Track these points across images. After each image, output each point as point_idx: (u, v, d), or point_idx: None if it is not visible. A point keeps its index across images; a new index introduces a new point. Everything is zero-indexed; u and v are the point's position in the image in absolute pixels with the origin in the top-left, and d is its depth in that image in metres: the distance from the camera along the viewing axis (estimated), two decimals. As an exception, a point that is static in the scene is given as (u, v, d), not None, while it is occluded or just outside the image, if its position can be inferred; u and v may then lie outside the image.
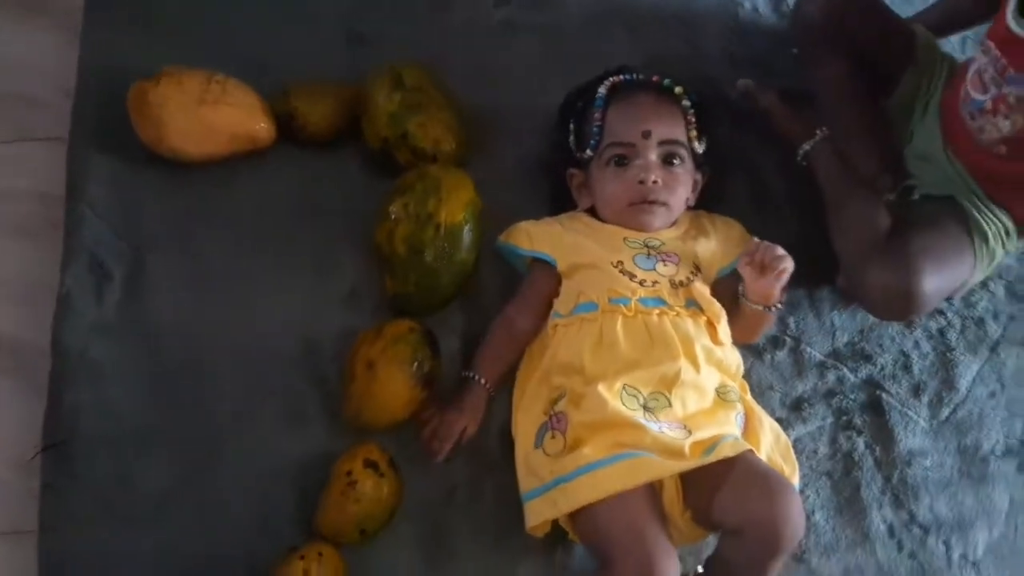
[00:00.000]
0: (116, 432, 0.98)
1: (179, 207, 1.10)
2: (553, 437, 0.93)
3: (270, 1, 1.23)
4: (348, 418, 0.98)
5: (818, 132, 1.13)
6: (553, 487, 0.89)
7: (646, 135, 1.03)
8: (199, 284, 1.06)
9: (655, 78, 1.07)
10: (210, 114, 1.08)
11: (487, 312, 1.06)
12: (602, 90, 1.05)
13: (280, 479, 0.97)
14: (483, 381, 0.99)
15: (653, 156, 1.03)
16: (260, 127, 1.11)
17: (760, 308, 0.99)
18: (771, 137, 1.18)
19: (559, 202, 1.11)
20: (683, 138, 1.05)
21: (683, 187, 1.05)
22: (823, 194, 1.12)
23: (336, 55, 1.20)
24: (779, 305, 1.00)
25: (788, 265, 0.96)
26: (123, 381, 1.01)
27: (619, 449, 0.88)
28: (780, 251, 0.96)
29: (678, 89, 1.06)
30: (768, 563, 0.85)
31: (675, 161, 1.04)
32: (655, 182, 1.02)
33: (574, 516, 0.90)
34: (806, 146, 1.13)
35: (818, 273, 1.12)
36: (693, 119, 1.06)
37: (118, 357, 1.02)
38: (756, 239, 0.98)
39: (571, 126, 1.09)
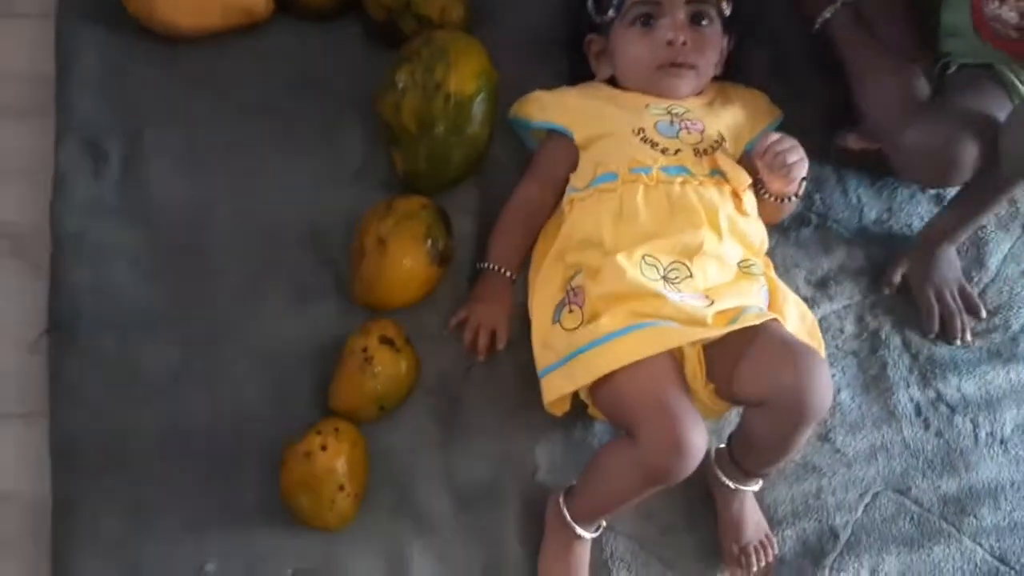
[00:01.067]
0: (120, 313, 0.95)
1: (174, 83, 1.04)
2: (571, 311, 0.89)
3: None
4: (357, 296, 0.95)
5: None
6: (570, 359, 0.86)
7: None
8: (198, 162, 1.02)
9: None
10: (202, -19, 1.01)
11: (502, 191, 1.01)
12: None
13: (290, 357, 0.95)
14: (502, 270, 0.96)
15: (681, 15, 0.96)
16: (256, -4, 1.04)
17: (774, 200, 0.95)
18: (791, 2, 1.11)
19: (576, 73, 1.05)
20: None
21: (712, 49, 0.99)
22: (847, 63, 1.05)
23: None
24: (795, 197, 0.95)
25: (797, 167, 0.91)
26: (125, 260, 0.97)
27: (638, 319, 0.84)
28: (790, 149, 0.90)
29: None
30: (793, 434, 0.83)
31: (704, 21, 0.98)
32: (684, 43, 0.96)
33: (595, 390, 0.87)
34: (826, 14, 1.06)
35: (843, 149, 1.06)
36: None
37: (118, 237, 0.98)
38: (772, 133, 0.93)
39: None
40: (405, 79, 0.97)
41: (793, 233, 1.05)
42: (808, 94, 1.09)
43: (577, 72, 1.05)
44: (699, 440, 0.80)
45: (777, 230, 1.04)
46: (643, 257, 0.89)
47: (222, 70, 1.06)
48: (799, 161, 0.91)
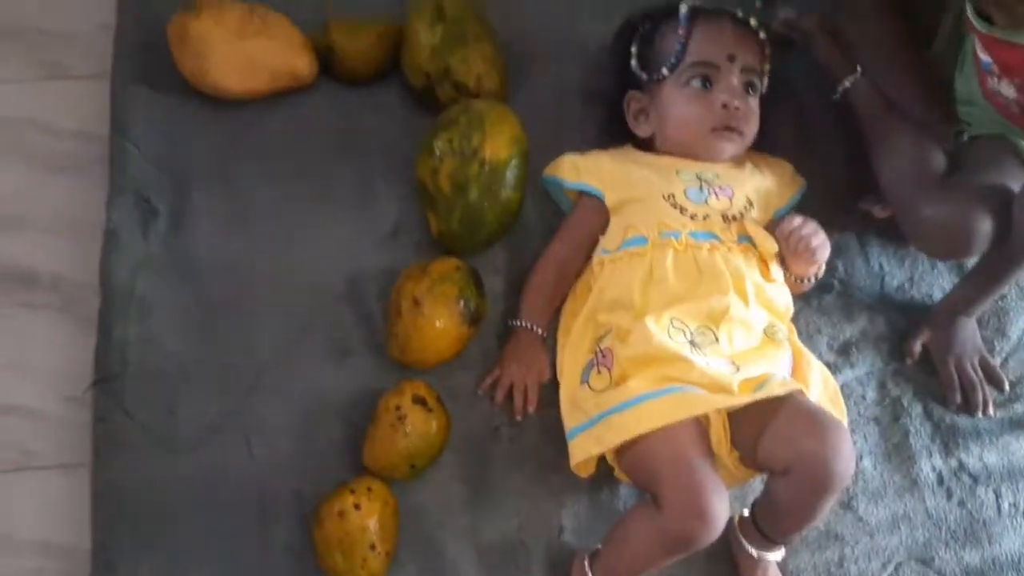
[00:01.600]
0: (163, 365, 0.99)
1: (222, 142, 1.09)
2: (599, 373, 0.92)
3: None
4: (393, 355, 0.98)
5: (858, 68, 1.09)
6: (598, 421, 0.88)
7: (731, 59, 1.00)
8: (242, 219, 1.06)
9: (729, 11, 1.04)
10: (251, 47, 1.06)
11: (532, 252, 1.05)
12: (684, 9, 1.02)
13: (325, 413, 0.97)
14: (534, 327, 0.99)
15: (736, 81, 1.00)
16: (301, 62, 1.09)
17: (795, 280, 0.99)
18: (813, 72, 1.14)
19: (608, 134, 1.09)
20: (760, 67, 1.03)
21: (756, 117, 1.03)
22: (865, 131, 1.08)
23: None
24: (815, 278, 0.99)
25: (820, 251, 0.94)
26: (169, 315, 1.01)
27: (666, 383, 0.87)
28: (814, 233, 0.94)
29: (753, 21, 1.03)
30: (817, 502, 0.84)
31: (752, 91, 1.02)
32: (737, 108, 0.99)
33: (620, 452, 0.89)
34: (846, 83, 1.08)
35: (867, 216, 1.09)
36: (768, 53, 1.03)
37: (164, 292, 1.02)
38: (794, 216, 0.96)
39: (634, 48, 1.05)
40: (443, 146, 1.01)
41: (816, 299, 1.07)
42: (831, 162, 1.12)
43: (609, 131, 1.08)
44: (722, 508, 0.82)
45: (800, 296, 1.06)
46: (671, 321, 0.91)
47: (267, 131, 1.10)
48: (822, 245, 0.94)
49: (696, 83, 1.00)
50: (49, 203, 1.10)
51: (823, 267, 0.98)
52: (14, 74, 1.16)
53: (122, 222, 1.04)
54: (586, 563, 0.90)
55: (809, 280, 0.99)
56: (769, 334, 0.95)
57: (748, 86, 1.01)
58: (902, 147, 1.04)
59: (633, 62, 1.04)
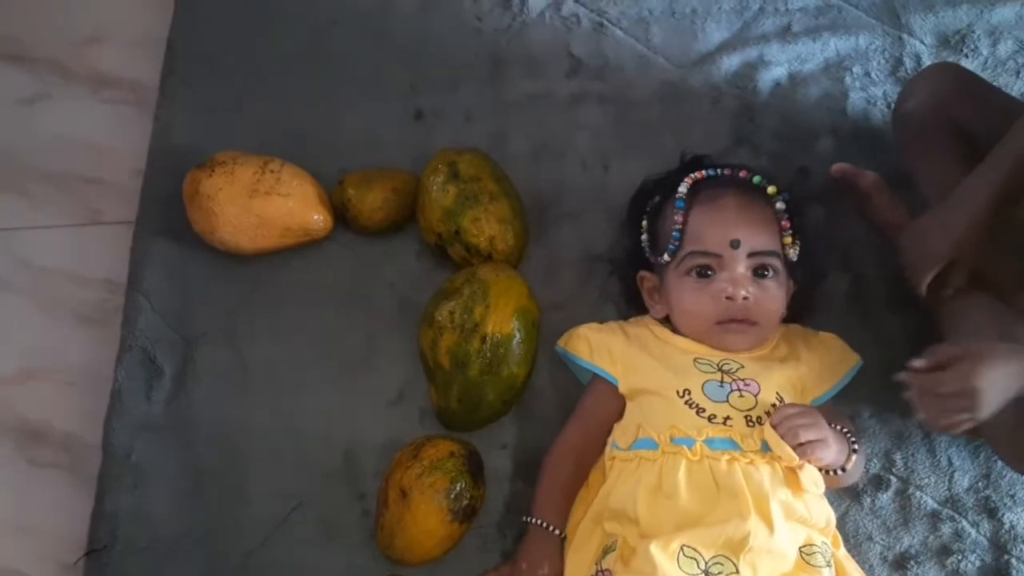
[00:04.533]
0: (152, 537, 0.96)
1: (230, 298, 1.07)
2: None
3: (341, 80, 1.18)
4: (380, 547, 0.91)
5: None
6: None
7: (734, 244, 0.89)
8: (242, 382, 1.02)
9: (743, 174, 0.93)
10: (262, 206, 1.04)
11: (543, 426, 0.96)
12: (682, 188, 0.92)
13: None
14: (550, 527, 0.88)
15: (742, 268, 0.89)
16: (315, 219, 1.06)
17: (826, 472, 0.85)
18: (870, 231, 1.02)
19: (630, 303, 1.00)
20: (776, 247, 0.90)
21: (776, 302, 0.91)
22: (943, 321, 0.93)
23: (400, 133, 1.14)
24: (843, 470, 0.84)
25: (810, 447, 0.81)
26: (162, 484, 0.98)
27: None
28: (807, 426, 0.81)
29: (771, 189, 0.91)
30: None
31: (767, 273, 0.90)
32: (745, 298, 0.88)
33: None
34: (947, 292, 0.91)
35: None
36: (787, 225, 0.91)
37: (159, 458, 0.99)
38: (790, 405, 0.84)
39: (644, 223, 0.97)
40: (443, 318, 0.94)
41: (868, 498, 0.93)
42: (888, 334, 0.98)
43: (629, 299, 1.00)
44: None
45: (849, 494, 0.93)
46: (682, 548, 0.79)
47: (277, 284, 1.07)
48: (814, 442, 0.81)
49: (695, 273, 0.90)
50: (71, 356, 1.10)
51: (852, 459, 0.84)
52: (55, 220, 1.19)
53: (127, 382, 1.03)
54: None
55: (835, 472, 0.84)
56: (806, 556, 0.81)
57: (760, 270, 0.89)
58: (981, 323, 0.89)
59: (643, 238, 0.95)
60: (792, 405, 0.84)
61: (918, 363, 0.80)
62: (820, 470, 0.84)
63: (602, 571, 0.83)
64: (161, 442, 1.00)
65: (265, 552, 0.94)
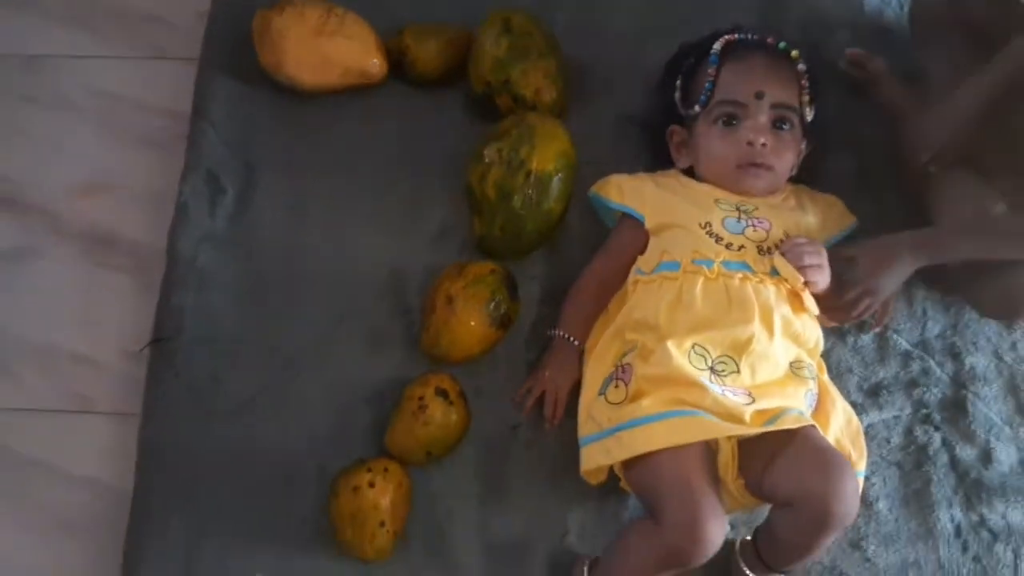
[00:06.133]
0: (213, 335, 1.06)
1: (291, 132, 1.16)
2: (616, 387, 0.94)
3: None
4: (425, 347, 1.03)
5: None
6: (609, 435, 0.91)
7: (759, 96, 1.01)
8: (301, 208, 1.12)
9: (770, 40, 1.05)
10: (326, 45, 1.13)
11: (570, 263, 1.08)
12: (717, 46, 1.03)
13: (356, 397, 1.03)
14: (571, 339, 1.01)
15: (764, 118, 1.01)
16: (372, 62, 1.15)
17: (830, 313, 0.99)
18: (879, 113, 1.14)
19: (657, 161, 1.11)
20: (795, 103, 1.03)
21: (791, 152, 1.03)
22: (934, 200, 1.06)
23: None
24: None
25: (811, 271, 0.94)
26: (225, 289, 1.08)
27: (677, 406, 0.88)
28: (811, 252, 0.95)
29: (794, 53, 1.03)
30: (815, 539, 0.85)
31: (784, 126, 1.02)
32: (764, 144, 1.00)
33: (627, 466, 0.92)
34: (931, 168, 1.06)
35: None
36: (806, 85, 1.03)
37: (222, 266, 1.09)
38: (800, 237, 0.97)
39: (678, 82, 1.08)
40: (492, 155, 1.05)
41: (851, 338, 1.07)
42: (889, 206, 1.10)
43: (657, 156, 1.11)
44: (718, 533, 0.83)
45: (835, 333, 1.06)
46: (693, 346, 0.92)
47: (335, 126, 1.17)
48: (815, 266, 0.94)
49: (722, 121, 1.02)
50: (135, 174, 1.19)
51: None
52: (119, 52, 1.26)
53: (192, 197, 1.12)
54: (585, 568, 0.93)
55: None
56: (795, 369, 0.95)
57: (779, 121, 1.02)
58: (964, 200, 1.02)
59: (676, 95, 1.06)
60: (800, 237, 0.97)
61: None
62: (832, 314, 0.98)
63: (622, 366, 0.95)
64: (223, 252, 1.10)
65: (316, 353, 1.05)
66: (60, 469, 1.05)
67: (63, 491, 1.04)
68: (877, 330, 1.07)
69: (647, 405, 0.90)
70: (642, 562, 0.87)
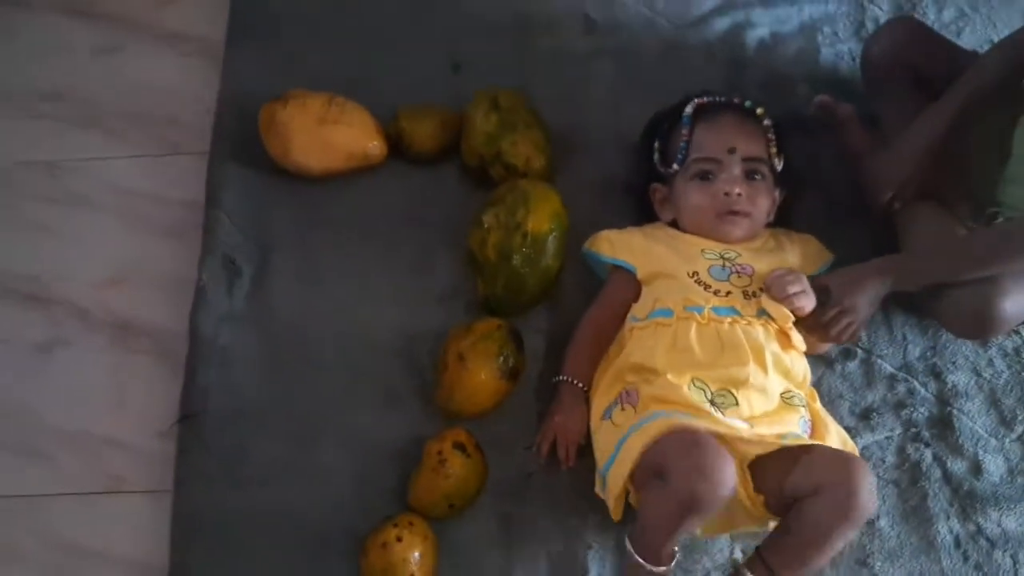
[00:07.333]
0: (238, 408, 1.12)
1: (300, 214, 1.24)
2: (623, 410, 1.00)
3: (386, 32, 1.37)
4: (440, 404, 1.09)
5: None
6: (621, 445, 0.95)
7: (731, 151, 1.10)
8: (313, 282, 1.20)
9: (737, 100, 1.15)
10: (329, 132, 1.22)
11: (570, 314, 1.15)
12: (688, 109, 1.13)
13: (377, 457, 1.09)
14: (575, 382, 1.08)
15: (737, 170, 1.10)
16: (372, 145, 1.24)
17: (816, 342, 1.07)
18: (843, 155, 1.23)
19: (642, 216, 1.20)
20: (764, 155, 1.12)
21: (765, 199, 1.12)
22: (898, 226, 1.15)
23: (438, 81, 1.33)
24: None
25: (797, 298, 1.02)
26: (246, 364, 1.15)
27: (680, 409, 0.95)
28: (793, 281, 1.03)
29: (760, 110, 1.13)
30: (834, 531, 0.89)
31: (757, 176, 1.11)
32: (739, 194, 1.09)
33: (639, 476, 0.94)
34: (896, 205, 1.15)
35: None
36: (773, 138, 1.12)
37: (243, 343, 1.16)
38: (781, 269, 1.06)
39: (656, 144, 1.17)
40: (491, 220, 1.13)
41: (839, 366, 1.14)
42: (858, 239, 1.18)
43: (642, 213, 1.19)
44: (726, 468, 0.88)
45: (824, 362, 1.13)
46: (692, 380, 0.99)
47: (342, 204, 1.25)
48: (799, 293, 1.03)
49: (699, 176, 1.11)
50: (155, 263, 1.26)
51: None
52: (134, 151, 1.35)
53: (210, 280, 1.20)
54: (628, 543, 0.95)
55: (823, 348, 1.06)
56: (786, 399, 1.02)
57: (752, 173, 1.11)
58: (928, 228, 1.10)
59: (656, 156, 1.16)
60: (781, 269, 1.05)
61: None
62: (819, 343, 1.07)
63: (626, 392, 1.01)
64: (243, 329, 1.17)
65: (338, 419, 1.11)
66: (97, 549, 1.09)
67: (101, 571, 1.08)
68: (861, 346, 1.14)
69: (654, 407, 0.96)
70: (663, 514, 0.91)
